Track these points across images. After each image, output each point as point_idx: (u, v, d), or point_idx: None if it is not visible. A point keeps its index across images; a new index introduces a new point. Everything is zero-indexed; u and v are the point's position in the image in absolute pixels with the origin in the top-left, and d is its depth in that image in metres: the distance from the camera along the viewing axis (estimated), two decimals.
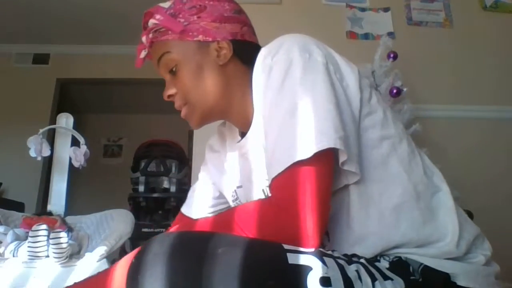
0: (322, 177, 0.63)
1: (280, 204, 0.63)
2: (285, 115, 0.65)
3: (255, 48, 0.81)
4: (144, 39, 0.87)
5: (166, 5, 0.86)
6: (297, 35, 0.74)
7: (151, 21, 0.85)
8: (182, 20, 0.82)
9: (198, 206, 1.03)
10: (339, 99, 0.68)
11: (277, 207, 0.63)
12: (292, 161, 0.62)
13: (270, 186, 0.65)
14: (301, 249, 0.59)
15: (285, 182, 0.63)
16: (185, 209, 1.04)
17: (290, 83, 0.67)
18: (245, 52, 0.84)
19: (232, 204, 0.96)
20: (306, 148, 0.61)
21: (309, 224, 0.60)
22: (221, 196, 1.01)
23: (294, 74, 0.67)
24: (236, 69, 0.84)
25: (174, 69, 0.84)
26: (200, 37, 0.82)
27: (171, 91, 0.85)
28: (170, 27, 0.82)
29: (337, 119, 0.64)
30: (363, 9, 2.28)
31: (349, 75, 0.72)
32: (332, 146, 0.62)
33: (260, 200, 0.67)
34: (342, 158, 0.64)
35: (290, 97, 0.66)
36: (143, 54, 0.89)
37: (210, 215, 1.00)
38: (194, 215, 1.01)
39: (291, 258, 0.56)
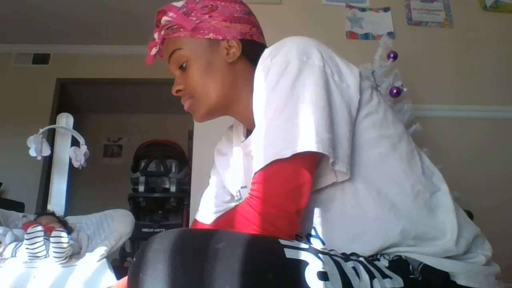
0: (298, 175, 0.66)
1: (255, 195, 0.66)
2: (273, 115, 0.68)
3: (263, 49, 0.83)
4: (156, 36, 0.90)
5: (179, 4, 0.89)
6: (299, 38, 0.75)
7: (164, 18, 0.88)
8: (194, 18, 0.86)
9: (210, 211, 1.04)
10: (332, 102, 0.69)
11: (252, 198, 0.66)
12: (272, 159, 0.65)
13: (252, 179, 0.69)
14: (297, 245, 0.60)
15: (263, 176, 0.66)
16: (199, 216, 1.06)
17: (283, 84, 0.69)
18: (253, 52, 0.86)
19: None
20: (286, 149, 0.65)
21: (278, 214, 0.64)
22: (232, 200, 1.03)
23: (288, 76, 0.69)
24: (244, 68, 0.87)
25: (184, 65, 0.87)
26: (211, 35, 0.85)
27: (179, 86, 0.88)
28: (182, 24, 0.85)
29: (322, 122, 0.66)
30: (363, 9, 2.29)
31: (349, 77, 0.73)
32: (309, 149, 0.64)
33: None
34: (330, 159, 0.66)
35: (280, 98, 0.68)
36: (154, 51, 0.93)
37: None
38: (207, 221, 1.03)
39: (288, 253, 0.57)
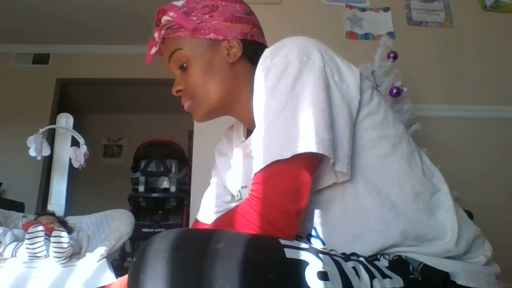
0: (298, 175, 0.66)
1: (255, 196, 0.66)
2: (273, 116, 0.68)
3: (263, 49, 0.82)
4: (156, 35, 0.89)
5: (179, 3, 0.88)
6: (300, 38, 0.75)
7: (164, 18, 0.87)
8: (194, 18, 0.85)
9: (210, 211, 1.04)
10: (332, 102, 0.69)
11: (252, 198, 0.66)
12: (272, 160, 0.65)
13: (252, 180, 0.69)
14: (297, 245, 0.60)
15: (263, 177, 0.66)
16: (199, 216, 1.06)
17: (283, 85, 0.69)
18: (254, 52, 0.86)
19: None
20: (286, 149, 0.64)
21: (278, 215, 0.64)
22: (232, 200, 1.03)
23: (288, 77, 0.69)
24: (244, 68, 0.86)
25: (184, 65, 0.86)
26: (212, 35, 0.85)
27: (180, 86, 0.88)
28: (183, 24, 0.84)
29: (322, 123, 0.66)
30: (363, 9, 2.29)
31: (350, 77, 0.73)
32: (309, 150, 0.64)
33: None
34: (331, 159, 0.66)
35: (280, 99, 0.68)
36: (153, 50, 0.92)
37: None
38: (208, 221, 1.03)
39: (288, 253, 0.57)
